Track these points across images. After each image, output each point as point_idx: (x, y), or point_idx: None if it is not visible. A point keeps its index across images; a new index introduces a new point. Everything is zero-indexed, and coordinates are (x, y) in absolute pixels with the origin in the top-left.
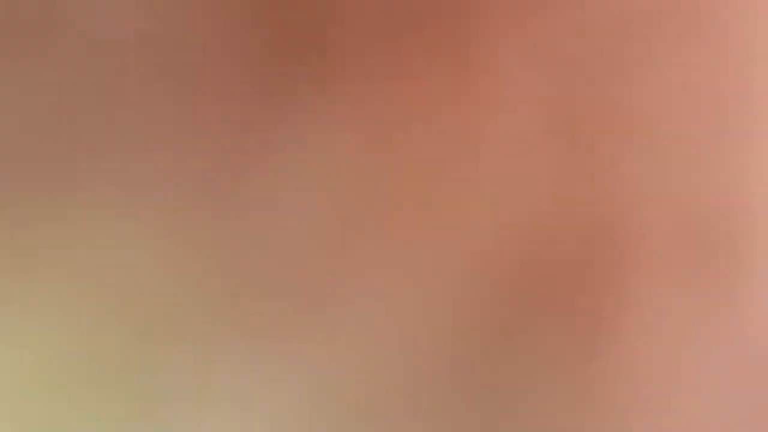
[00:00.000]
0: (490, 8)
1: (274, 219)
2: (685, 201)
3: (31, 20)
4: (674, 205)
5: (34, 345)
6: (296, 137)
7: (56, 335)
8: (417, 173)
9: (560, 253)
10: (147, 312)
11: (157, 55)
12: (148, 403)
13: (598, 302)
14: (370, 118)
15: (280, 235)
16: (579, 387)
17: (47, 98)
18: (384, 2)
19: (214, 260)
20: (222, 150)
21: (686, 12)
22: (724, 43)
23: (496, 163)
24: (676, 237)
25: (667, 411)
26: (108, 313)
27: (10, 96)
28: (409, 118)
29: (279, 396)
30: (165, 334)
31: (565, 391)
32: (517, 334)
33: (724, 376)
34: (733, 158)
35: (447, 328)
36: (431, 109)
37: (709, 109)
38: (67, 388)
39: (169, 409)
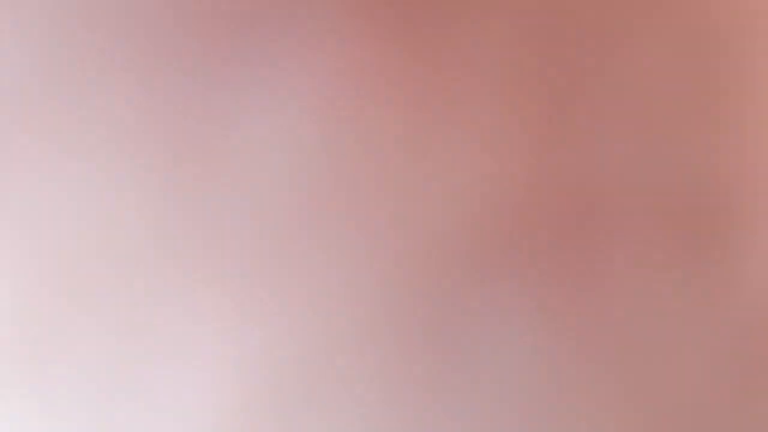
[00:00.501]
0: None
1: (240, 178)
2: (670, 173)
3: None
4: (658, 179)
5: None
6: (264, 106)
7: (40, 273)
8: (389, 139)
9: (541, 223)
10: (125, 256)
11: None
12: (118, 338)
13: (579, 276)
14: (338, 81)
15: (250, 193)
16: (557, 363)
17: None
18: None
19: (187, 212)
20: (194, 114)
21: None
22: (712, 13)
23: (473, 134)
24: (660, 209)
25: (649, 387)
26: (89, 255)
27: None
28: (379, 85)
29: (243, 347)
30: (139, 277)
31: (540, 366)
32: (496, 303)
33: (708, 352)
34: (721, 130)
35: (417, 293)
36: (403, 74)
37: (695, 81)
38: (49, 324)
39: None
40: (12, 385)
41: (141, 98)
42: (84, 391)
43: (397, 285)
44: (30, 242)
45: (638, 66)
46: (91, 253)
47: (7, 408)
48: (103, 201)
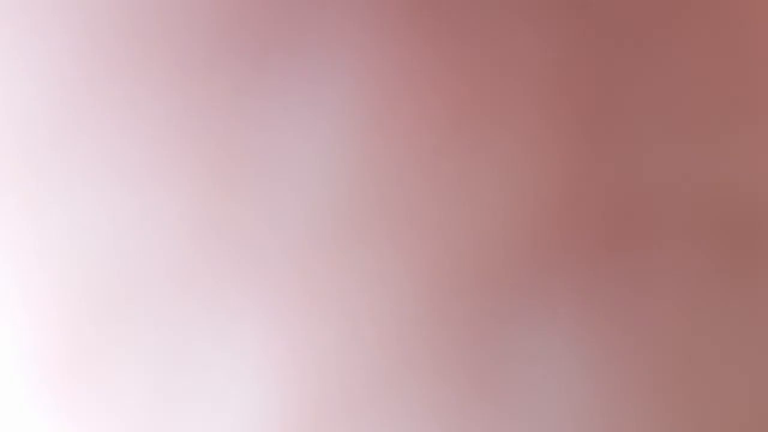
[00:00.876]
0: None
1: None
2: (706, 189)
3: None
4: (694, 194)
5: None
6: (290, 114)
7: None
8: (424, 144)
9: (572, 243)
10: (159, 271)
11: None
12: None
13: (612, 295)
14: (371, 85)
15: (277, 202)
16: (590, 389)
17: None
18: None
19: (222, 225)
20: (217, 117)
21: None
22: (753, 18)
23: (500, 151)
24: (696, 229)
25: (699, 402)
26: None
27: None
28: (414, 90)
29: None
30: (161, 286)
31: (574, 391)
32: (525, 327)
33: (757, 363)
34: (757, 145)
35: (439, 319)
36: (438, 79)
37: (736, 87)
38: (75, 327)
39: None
40: (43, 402)
41: (173, 110)
42: (117, 411)
43: (436, 294)
44: (61, 256)
45: (677, 71)
46: (123, 269)
47: (36, 425)
48: (138, 217)
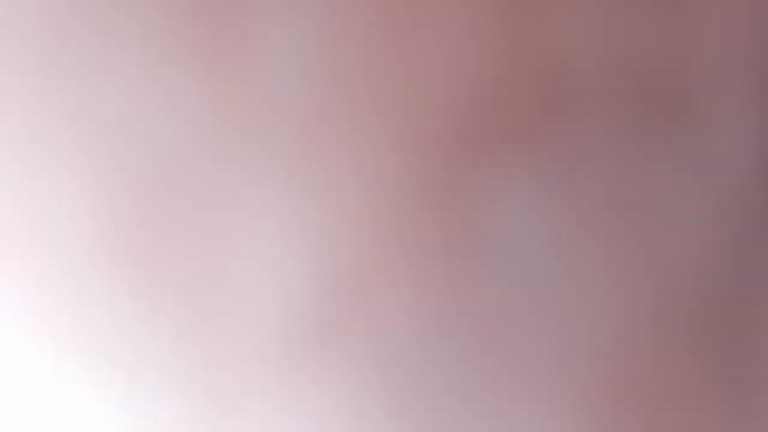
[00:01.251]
0: None
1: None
2: (632, 55)
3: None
4: (621, 59)
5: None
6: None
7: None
8: (376, 34)
9: (522, 102)
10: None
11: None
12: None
13: (555, 158)
14: None
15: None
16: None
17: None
18: None
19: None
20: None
21: None
22: None
23: (447, 21)
24: (624, 91)
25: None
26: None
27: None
28: None
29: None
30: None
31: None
32: (488, 188)
33: (691, 214)
34: (674, 15)
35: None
36: None
37: None
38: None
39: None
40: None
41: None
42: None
43: (411, 165)
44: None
45: None
46: (141, 158)
47: None
48: (147, 107)
